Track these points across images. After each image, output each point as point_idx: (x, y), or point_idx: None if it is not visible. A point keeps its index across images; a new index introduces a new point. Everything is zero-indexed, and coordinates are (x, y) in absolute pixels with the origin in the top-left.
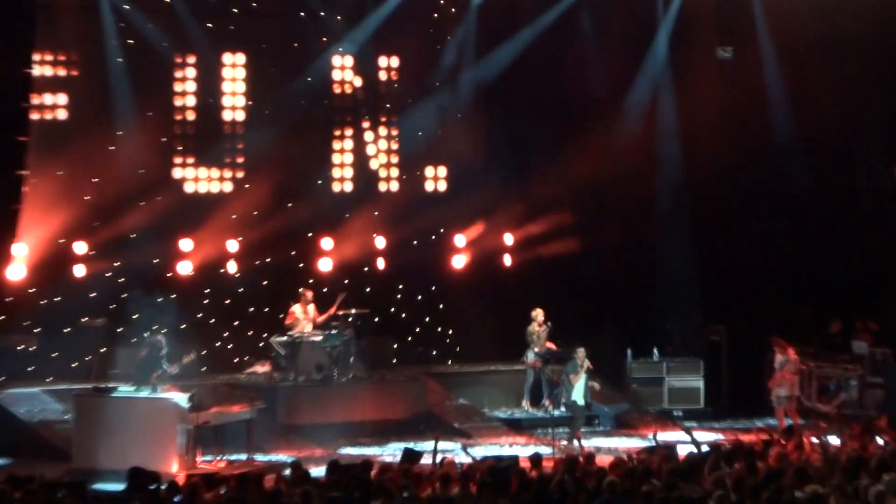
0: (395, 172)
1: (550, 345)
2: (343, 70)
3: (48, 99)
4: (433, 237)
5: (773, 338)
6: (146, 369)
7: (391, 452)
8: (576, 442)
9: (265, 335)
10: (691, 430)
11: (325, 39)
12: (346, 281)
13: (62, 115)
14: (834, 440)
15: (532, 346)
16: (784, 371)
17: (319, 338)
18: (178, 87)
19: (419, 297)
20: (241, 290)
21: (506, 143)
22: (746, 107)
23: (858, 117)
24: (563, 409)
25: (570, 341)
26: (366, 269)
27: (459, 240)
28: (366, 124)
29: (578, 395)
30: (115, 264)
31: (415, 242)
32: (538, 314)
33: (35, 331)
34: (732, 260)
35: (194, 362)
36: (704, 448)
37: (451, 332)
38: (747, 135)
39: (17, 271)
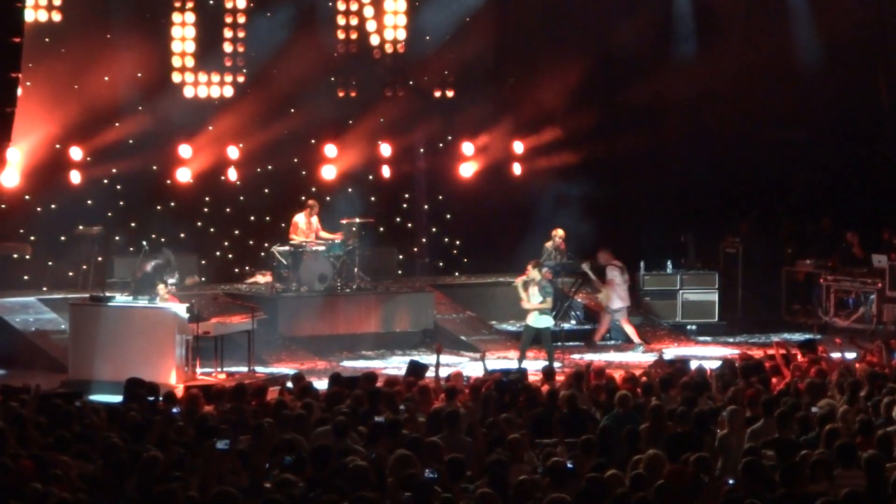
0: (401, 77)
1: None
2: None
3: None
4: (440, 145)
5: (599, 251)
6: (147, 282)
7: (395, 365)
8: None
9: (266, 244)
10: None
11: None
12: (350, 189)
13: (57, 16)
14: (851, 355)
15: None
16: (612, 282)
17: (322, 247)
18: None
19: (425, 207)
20: (241, 198)
21: (516, 47)
22: (768, 18)
23: (884, 30)
24: (572, 322)
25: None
26: (370, 177)
27: (467, 147)
28: (371, 27)
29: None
30: (113, 171)
31: (421, 150)
32: (559, 234)
33: (30, 239)
34: (749, 170)
35: (197, 284)
36: (712, 363)
37: (458, 242)
38: (768, 46)
39: (10, 177)
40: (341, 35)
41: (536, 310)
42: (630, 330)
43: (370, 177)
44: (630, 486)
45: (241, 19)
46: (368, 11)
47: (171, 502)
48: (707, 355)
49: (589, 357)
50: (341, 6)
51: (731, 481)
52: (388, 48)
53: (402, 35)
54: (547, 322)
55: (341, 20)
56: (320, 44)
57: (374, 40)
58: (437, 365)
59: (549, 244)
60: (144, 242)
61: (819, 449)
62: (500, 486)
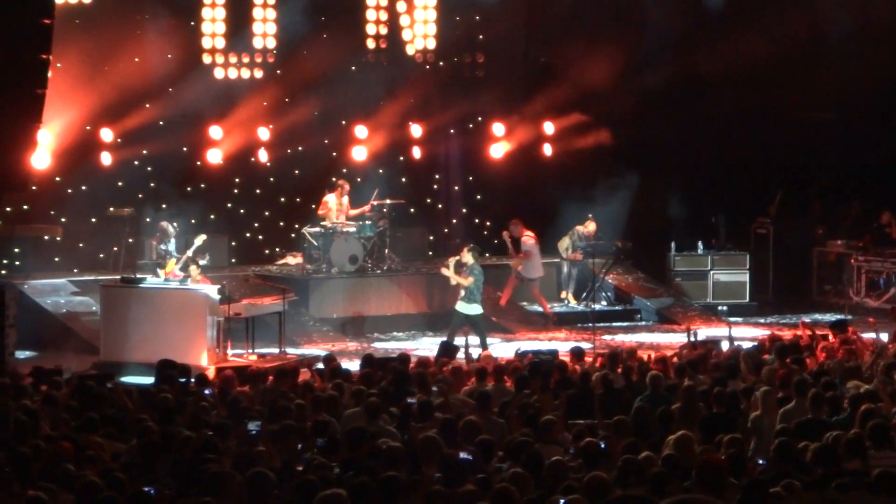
0: (431, 58)
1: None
2: None
3: None
4: (471, 125)
5: (511, 222)
6: (161, 257)
7: (426, 346)
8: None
9: (297, 226)
10: (730, 325)
11: None
12: (381, 171)
13: None
14: (883, 336)
15: (573, 242)
16: (530, 253)
17: (353, 229)
18: None
19: (455, 188)
20: (272, 179)
21: (547, 27)
22: None
23: None
24: (603, 303)
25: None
26: (401, 158)
27: (498, 128)
28: (402, 7)
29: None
30: (143, 152)
31: (452, 131)
32: (590, 226)
33: (61, 221)
34: (780, 151)
35: (206, 241)
36: (744, 344)
37: (488, 223)
38: (799, 27)
39: (41, 159)
40: (371, 15)
41: (465, 297)
42: (541, 301)
43: (400, 158)
44: (662, 466)
45: (272, 0)
46: None
47: (205, 483)
48: (737, 336)
49: (621, 338)
50: None
51: (761, 462)
52: (419, 29)
53: (431, 16)
54: (476, 309)
55: (371, 1)
56: (350, 25)
57: (405, 21)
58: (467, 347)
59: (580, 227)
60: (174, 223)
61: (852, 429)
62: (533, 467)
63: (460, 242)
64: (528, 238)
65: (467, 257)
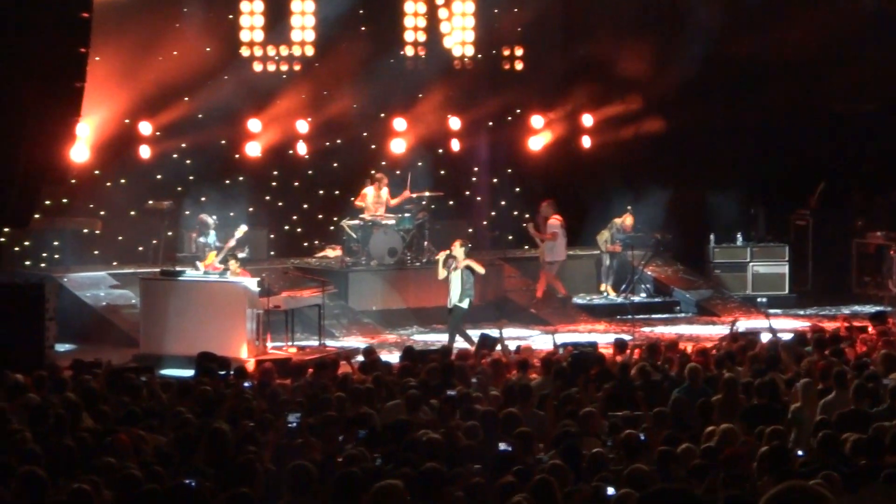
0: (469, 51)
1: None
2: None
3: None
4: (509, 118)
5: (543, 201)
6: (202, 250)
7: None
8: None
9: (336, 218)
10: (770, 317)
11: None
12: (419, 163)
13: None
14: None
15: (612, 234)
16: (556, 235)
17: (392, 221)
18: None
19: (494, 180)
20: (310, 172)
21: (586, 19)
22: None
23: None
24: (642, 295)
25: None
26: (440, 150)
27: (537, 121)
28: (440, 0)
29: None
30: (182, 145)
31: (490, 123)
32: (628, 220)
33: (100, 214)
34: (820, 142)
35: (247, 233)
36: (783, 335)
37: (527, 215)
38: (838, 15)
39: (80, 152)
40: (410, 8)
41: (457, 290)
42: (556, 284)
43: (439, 150)
44: (702, 457)
45: None
46: None
47: (246, 476)
48: (777, 328)
49: (660, 330)
50: None
51: (800, 453)
52: (458, 22)
53: (470, 8)
54: (466, 303)
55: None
56: (389, 17)
57: (443, 13)
58: (502, 339)
59: (618, 220)
60: (214, 217)
61: (894, 421)
62: (572, 459)
63: (499, 234)
64: (556, 220)
65: (458, 251)
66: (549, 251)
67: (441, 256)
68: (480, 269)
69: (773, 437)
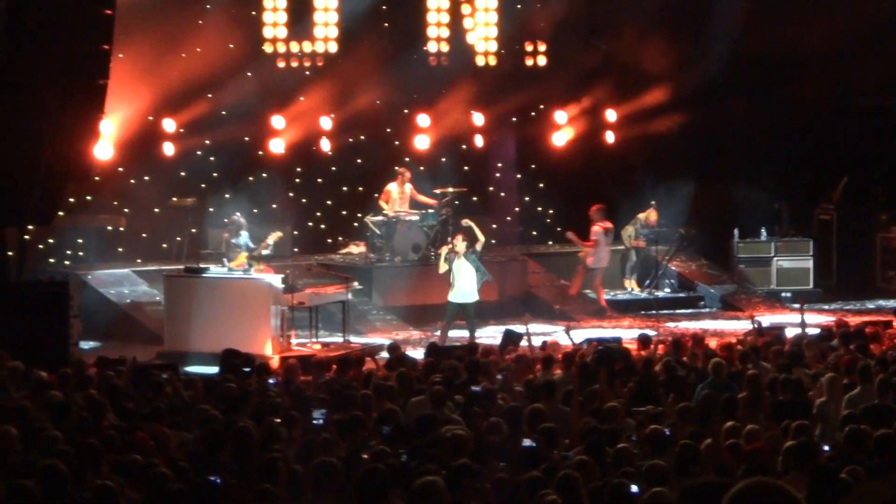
0: (492, 46)
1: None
2: None
3: None
4: (533, 113)
5: (593, 207)
6: (233, 251)
7: (490, 334)
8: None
9: (360, 215)
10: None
11: None
12: (443, 159)
13: None
14: None
15: (636, 230)
16: (597, 242)
17: (416, 217)
18: None
19: (518, 176)
20: (334, 168)
21: (609, 13)
22: None
23: None
24: (666, 290)
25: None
26: (463, 146)
27: (560, 116)
28: None
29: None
30: (206, 142)
31: (514, 119)
32: (652, 214)
33: (124, 211)
34: (843, 137)
35: (282, 239)
36: (812, 330)
37: (551, 211)
38: (861, 9)
39: (104, 149)
40: (433, 4)
41: (471, 282)
42: (599, 293)
43: (463, 146)
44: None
45: None
46: None
47: (272, 473)
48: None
49: (685, 325)
50: None
51: (826, 448)
52: (481, 18)
53: (493, 4)
54: (462, 297)
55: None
56: (411, 13)
57: (466, 9)
58: (528, 335)
59: (641, 215)
60: (238, 213)
61: None
62: (598, 454)
63: (523, 230)
64: (599, 227)
65: (460, 246)
66: (592, 256)
67: (443, 251)
68: (482, 237)
69: (799, 432)
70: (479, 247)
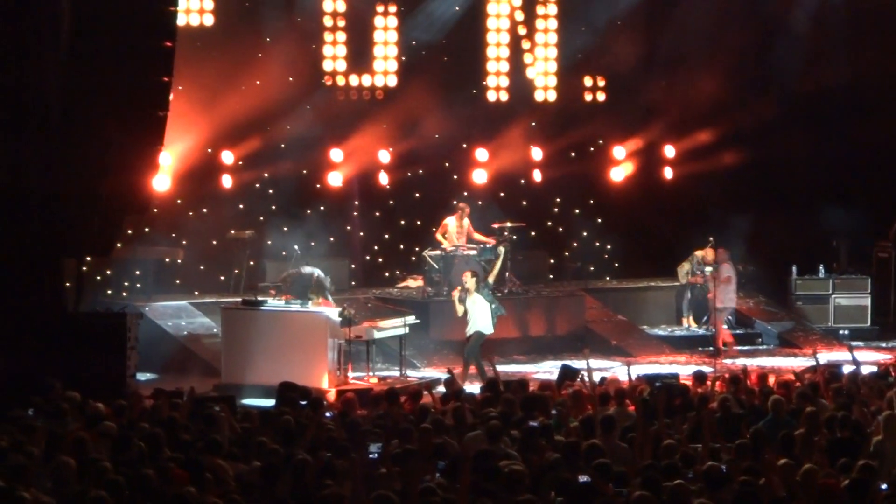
0: (551, 81)
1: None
2: None
3: (194, 3)
4: (591, 149)
5: (718, 249)
6: (300, 285)
7: (547, 370)
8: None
9: (417, 249)
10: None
11: None
12: (502, 194)
13: (209, 20)
14: None
15: (692, 266)
16: (730, 279)
17: (474, 252)
18: None
19: (576, 211)
20: (391, 202)
21: (667, 50)
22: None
23: None
24: (725, 327)
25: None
26: (521, 181)
27: (619, 152)
28: (522, 31)
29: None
30: (264, 175)
31: (572, 154)
32: (710, 252)
33: (182, 243)
34: None
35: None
36: (867, 368)
37: (609, 246)
38: None
39: (162, 181)
40: (492, 38)
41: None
42: (720, 332)
43: (521, 181)
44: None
45: (393, 22)
46: (519, 16)
47: None
48: (860, 360)
49: (742, 362)
50: (492, 8)
51: (884, 486)
52: (540, 52)
53: (552, 39)
54: (474, 327)
55: (492, 23)
56: (471, 47)
57: (526, 45)
58: (589, 370)
59: (699, 252)
60: (296, 246)
61: None
62: (655, 491)
63: (580, 266)
64: (730, 265)
65: (470, 283)
66: (722, 294)
67: (455, 294)
68: (495, 269)
69: (860, 470)
70: (490, 279)
